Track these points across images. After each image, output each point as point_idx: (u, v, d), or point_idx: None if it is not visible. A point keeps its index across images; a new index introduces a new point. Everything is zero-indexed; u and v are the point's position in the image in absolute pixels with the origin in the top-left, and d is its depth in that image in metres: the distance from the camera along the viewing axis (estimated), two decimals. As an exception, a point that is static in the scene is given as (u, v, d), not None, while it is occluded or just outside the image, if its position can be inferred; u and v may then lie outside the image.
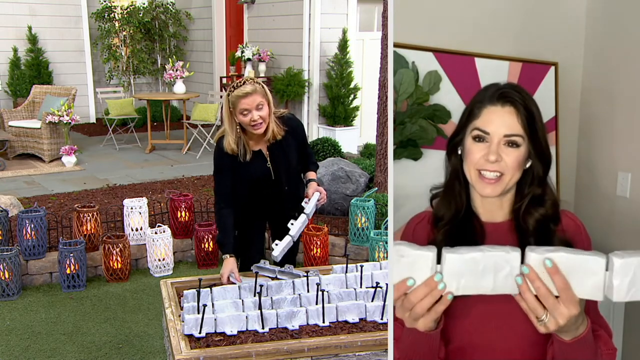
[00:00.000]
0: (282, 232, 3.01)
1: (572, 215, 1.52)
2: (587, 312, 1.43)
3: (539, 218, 1.45)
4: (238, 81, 2.74)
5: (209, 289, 2.45)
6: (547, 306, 1.20)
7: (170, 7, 10.01)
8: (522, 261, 1.21)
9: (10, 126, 7.31)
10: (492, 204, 1.49)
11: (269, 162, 2.87)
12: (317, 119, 7.80)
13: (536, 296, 1.20)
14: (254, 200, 2.94)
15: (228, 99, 2.75)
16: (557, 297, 1.19)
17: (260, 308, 2.27)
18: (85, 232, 4.26)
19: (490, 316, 1.40)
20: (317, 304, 2.37)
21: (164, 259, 4.30)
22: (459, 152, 1.48)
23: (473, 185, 1.45)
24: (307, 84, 7.65)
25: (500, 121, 1.40)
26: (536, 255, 1.19)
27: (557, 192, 2.37)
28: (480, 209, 1.51)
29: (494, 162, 1.39)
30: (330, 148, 6.36)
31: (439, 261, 1.21)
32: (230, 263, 2.72)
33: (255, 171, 2.86)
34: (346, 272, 2.66)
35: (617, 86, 2.43)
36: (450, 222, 1.48)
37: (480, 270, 1.19)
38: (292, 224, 2.81)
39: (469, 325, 1.41)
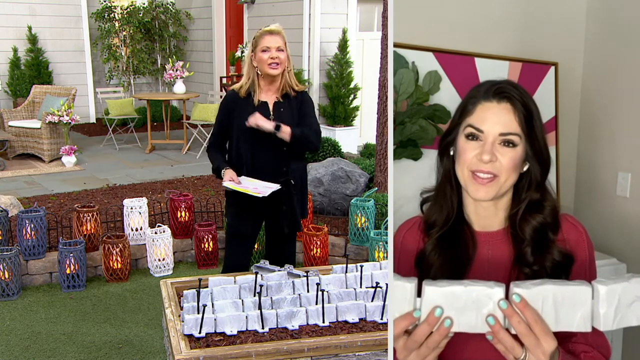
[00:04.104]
0: (276, 226, 3.04)
1: (573, 220, 1.42)
2: (586, 332, 1.37)
3: (536, 226, 1.36)
4: (265, 26, 2.96)
5: (208, 289, 2.45)
6: (528, 344, 1.11)
7: (170, 7, 10.02)
8: (507, 297, 1.14)
9: (10, 126, 7.31)
10: (486, 211, 1.40)
11: (271, 115, 2.93)
12: (317, 119, 7.80)
13: (514, 335, 1.13)
14: (256, 160, 2.94)
15: (253, 41, 2.93)
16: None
17: (260, 308, 2.27)
18: (85, 232, 4.26)
19: (477, 339, 1.29)
20: (317, 304, 2.37)
21: (163, 259, 4.30)
22: (452, 152, 1.40)
23: (465, 188, 1.36)
24: (307, 83, 7.66)
25: (495, 118, 1.31)
26: (522, 292, 1.13)
27: (557, 193, 2.37)
28: (473, 215, 1.41)
29: (488, 162, 1.29)
30: (330, 148, 6.37)
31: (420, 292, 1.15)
32: (229, 172, 2.92)
33: None
34: (346, 272, 2.65)
35: (617, 86, 2.43)
36: (441, 229, 1.40)
37: (462, 306, 1.13)
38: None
39: (455, 348, 1.32)
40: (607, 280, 1.13)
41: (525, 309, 1.11)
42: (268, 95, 2.96)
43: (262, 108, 2.92)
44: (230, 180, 2.88)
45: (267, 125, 2.85)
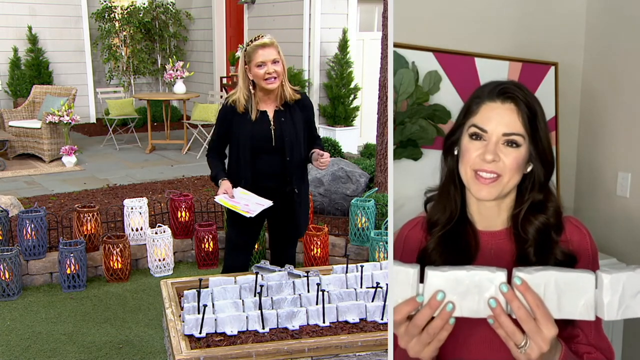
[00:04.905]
0: (278, 232, 3.02)
1: (576, 222, 1.42)
2: (589, 333, 1.36)
3: (539, 226, 1.36)
4: (255, 36, 2.84)
5: (209, 289, 2.45)
6: (528, 330, 1.11)
7: (170, 7, 10.02)
8: (509, 282, 1.13)
9: (10, 126, 7.31)
10: (489, 210, 1.40)
11: (272, 125, 2.88)
12: (317, 119, 7.80)
13: (514, 320, 1.12)
14: (257, 170, 2.91)
15: (244, 53, 2.83)
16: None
17: (260, 308, 2.27)
18: (85, 232, 4.26)
19: (480, 329, 1.31)
20: (317, 304, 2.37)
21: (164, 259, 4.30)
22: (455, 152, 1.40)
23: (468, 187, 1.36)
24: (307, 84, 7.66)
25: (499, 118, 1.31)
26: (524, 276, 1.12)
27: (557, 193, 2.37)
28: (476, 215, 1.42)
29: (491, 162, 1.30)
30: (330, 148, 6.36)
31: (422, 279, 1.15)
32: (225, 184, 2.88)
33: (256, 131, 2.86)
34: (346, 272, 2.66)
35: (617, 86, 2.43)
36: (444, 228, 1.40)
37: (464, 291, 1.13)
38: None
39: (457, 340, 1.32)
40: (611, 270, 1.12)
41: (526, 292, 1.11)
42: (267, 105, 2.90)
43: (262, 118, 2.88)
44: (225, 193, 2.84)
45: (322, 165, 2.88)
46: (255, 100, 2.87)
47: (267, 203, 2.85)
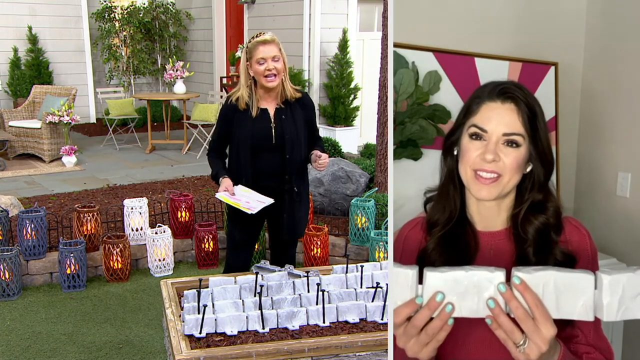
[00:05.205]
0: (278, 231, 3.02)
1: (576, 223, 1.42)
2: (588, 333, 1.36)
3: (539, 227, 1.36)
4: (257, 33, 2.85)
5: (209, 289, 2.45)
6: (526, 330, 1.11)
7: (170, 7, 10.02)
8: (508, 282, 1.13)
9: (10, 126, 7.31)
10: (489, 210, 1.40)
11: (272, 123, 2.88)
12: (317, 119, 7.79)
13: (513, 320, 1.12)
14: (257, 169, 2.91)
15: (246, 50, 2.84)
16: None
17: (260, 308, 2.27)
18: (85, 232, 4.26)
19: (479, 329, 1.30)
20: (317, 304, 2.37)
21: (164, 259, 4.30)
22: (455, 152, 1.40)
23: (468, 187, 1.36)
24: (307, 84, 7.65)
25: (499, 118, 1.31)
26: (523, 275, 1.12)
27: (557, 193, 2.37)
28: (476, 215, 1.42)
29: (491, 161, 1.30)
30: (330, 148, 6.36)
31: (422, 280, 1.15)
32: (226, 181, 2.88)
33: (256, 129, 2.86)
34: (346, 272, 2.66)
35: (617, 86, 2.43)
36: (443, 229, 1.40)
37: (463, 291, 1.13)
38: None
39: (456, 340, 1.32)
40: (611, 270, 1.12)
41: (525, 291, 1.11)
42: (268, 102, 2.91)
43: (263, 115, 2.88)
44: (225, 190, 2.85)
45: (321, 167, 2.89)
46: (256, 98, 2.88)
47: (268, 200, 2.86)
